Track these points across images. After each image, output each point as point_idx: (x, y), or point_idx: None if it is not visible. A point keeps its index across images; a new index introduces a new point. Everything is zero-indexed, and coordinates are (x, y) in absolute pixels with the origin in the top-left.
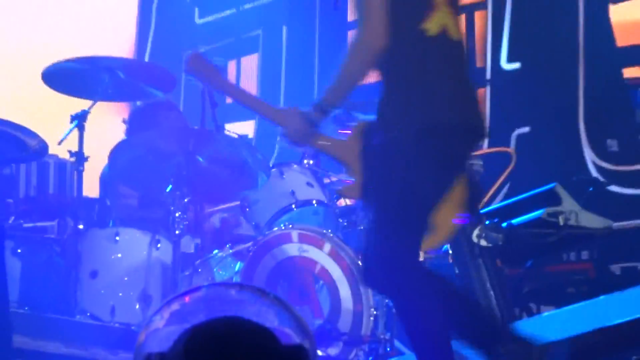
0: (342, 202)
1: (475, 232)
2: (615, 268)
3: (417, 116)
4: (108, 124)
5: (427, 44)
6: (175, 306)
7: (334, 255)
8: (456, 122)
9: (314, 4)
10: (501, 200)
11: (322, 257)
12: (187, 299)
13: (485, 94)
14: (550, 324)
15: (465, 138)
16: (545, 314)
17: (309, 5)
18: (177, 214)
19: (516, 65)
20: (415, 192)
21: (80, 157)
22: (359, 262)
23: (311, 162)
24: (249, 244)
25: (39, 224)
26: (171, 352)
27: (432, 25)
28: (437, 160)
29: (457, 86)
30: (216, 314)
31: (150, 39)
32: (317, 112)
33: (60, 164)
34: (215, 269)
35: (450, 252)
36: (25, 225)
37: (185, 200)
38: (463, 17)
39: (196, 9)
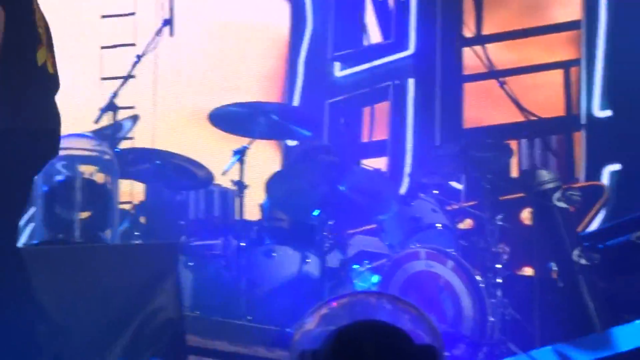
0: (462, 225)
1: (576, 252)
2: None
3: (18, 129)
4: (264, 158)
5: (35, 72)
6: (324, 311)
7: (455, 270)
8: (46, 140)
9: (434, 60)
10: (597, 226)
11: (445, 271)
12: (334, 304)
13: (581, 136)
14: None
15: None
16: (637, 321)
17: (431, 61)
18: (323, 234)
19: (608, 112)
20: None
21: (241, 185)
22: (477, 276)
23: (436, 191)
24: (384, 260)
25: (206, 242)
26: (321, 350)
27: (40, 56)
28: (19, 168)
29: (51, 110)
30: (358, 318)
31: (297, 88)
32: None
33: (224, 191)
34: (355, 281)
35: (555, 268)
36: (195, 243)
37: (330, 222)
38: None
39: (336, 64)
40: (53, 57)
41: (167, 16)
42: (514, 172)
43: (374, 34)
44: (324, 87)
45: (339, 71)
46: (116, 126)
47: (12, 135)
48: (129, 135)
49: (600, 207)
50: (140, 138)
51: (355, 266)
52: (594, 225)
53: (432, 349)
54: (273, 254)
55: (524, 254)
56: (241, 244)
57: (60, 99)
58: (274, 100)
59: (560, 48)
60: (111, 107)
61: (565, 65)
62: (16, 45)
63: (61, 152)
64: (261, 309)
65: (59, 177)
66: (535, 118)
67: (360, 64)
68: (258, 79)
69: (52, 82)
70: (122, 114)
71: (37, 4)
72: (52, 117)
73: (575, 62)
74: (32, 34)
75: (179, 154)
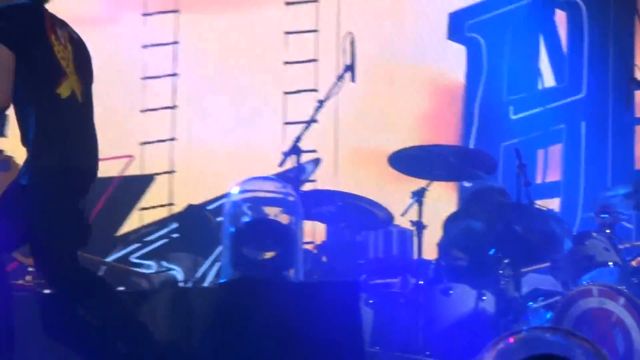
0: (634, 263)
1: None
2: None
3: (55, 162)
4: (441, 198)
5: (60, 106)
6: (501, 346)
7: (627, 307)
8: (80, 166)
9: (608, 104)
10: None
11: (617, 308)
12: (511, 340)
13: None
14: None
15: (83, 178)
16: None
17: (603, 104)
18: (499, 272)
19: None
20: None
21: (419, 225)
22: None
23: (608, 231)
24: (558, 297)
25: (385, 280)
26: None
27: (64, 90)
28: (64, 197)
29: (84, 139)
30: (534, 352)
31: (473, 131)
32: None
33: (402, 231)
34: (530, 318)
35: None
36: (375, 281)
37: (506, 261)
38: None
39: (511, 107)
40: (84, 82)
41: (348, 62)
42: None
43: (547, 78)
44: (499, 129)
45: (513, 114)
46: (299, 169)
47: (51, 174)
48: (312, 177)
49: None
50: (322, 180)
51: (529, 303)
52: None
53: None
54: (450, 292)
55: None
56: (419, 282)
57: (245, 142)
58: (450, 142)
59: None
60: (294, 150)
61: None
62: (37, 84)
63: (247, 195)
64: (439, 344)
65: (245, 219)
66: None
67: (534, 107)
68: (432, 122)
69: (82, 112)
70: (304, 157)
71: (58, 35)
72: (85, 153)
73: None
74: (52, 69)
75: (360, 195)
